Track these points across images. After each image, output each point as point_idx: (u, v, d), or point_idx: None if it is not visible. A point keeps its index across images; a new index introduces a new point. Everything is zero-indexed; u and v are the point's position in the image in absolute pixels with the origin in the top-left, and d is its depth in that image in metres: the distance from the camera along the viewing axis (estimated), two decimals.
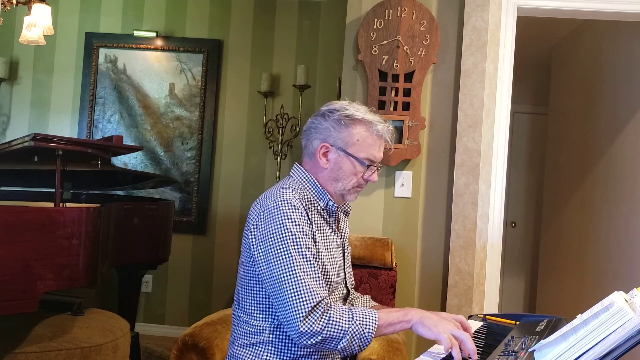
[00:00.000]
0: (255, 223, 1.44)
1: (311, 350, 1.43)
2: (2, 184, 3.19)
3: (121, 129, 3.91)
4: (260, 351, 1.45)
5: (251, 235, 1.45)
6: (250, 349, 1.47)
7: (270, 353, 1.44)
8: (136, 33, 3.89)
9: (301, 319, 1.29)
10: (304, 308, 1.30)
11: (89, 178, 3.02)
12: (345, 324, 1.30)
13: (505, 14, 2.60)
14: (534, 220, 5.10)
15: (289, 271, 1.34)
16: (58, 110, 4.00)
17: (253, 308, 1.46)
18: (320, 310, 1.30)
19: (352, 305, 1.70)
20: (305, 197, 1.48)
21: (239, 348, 1.49)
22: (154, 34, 3.89)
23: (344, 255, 1.58)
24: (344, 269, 1.57)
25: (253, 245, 1.44)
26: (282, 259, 1.36)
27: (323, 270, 1.45)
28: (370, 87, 2.57)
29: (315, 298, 1.31)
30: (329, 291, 1.48)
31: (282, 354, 1.44)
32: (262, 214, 1.43)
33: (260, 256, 1.41)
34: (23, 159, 2.40)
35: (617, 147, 3.32)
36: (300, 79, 3.68)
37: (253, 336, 1.46)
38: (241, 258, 1.51)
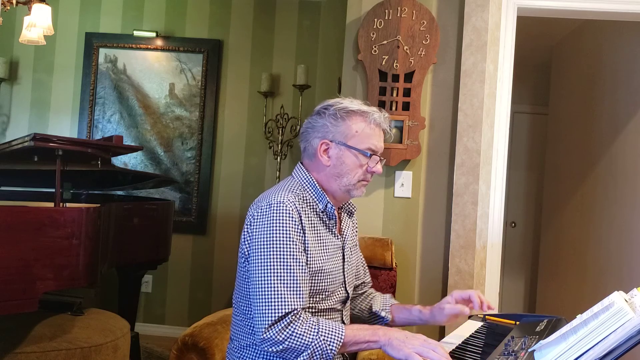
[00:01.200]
0: (249, 223, 1.44)
1: None
2: (2, 184, 3.20)
3: (121, 129, 3.91)
4: (259, 351, 1.45)
5: (244, 236, 1.45)
6: (249, 350, 1.46)
7: (268, 353, 1.44)
8: (136, 33, 3.89)
9: (266, 325, 1.30)
10: (271, 316, 1.30)
11: (89, 178, 3.02)
12: (308, 338, 1.30)
13: (505, 14, 2.60)
14: (534, 220, 5.10)
15: (264, 277, 1.34)
16: (58, 110, 4.00)
17: (250, 309, 1.45)
18: (287, 320, 1.30)
19: (371, 304, 1.70)
20: (304, 198, 1.46)
21: (237, 348, 1.49)
22: (154, 34, 3.89)
23: (343, 259, 1.56)
24: (344, 272, 1.55)
25: (245, 246, 1.44)
26: (262, 264, 1.35)
27: (316, 275, 1.43)
28: (370, 87, 2.57)
29: (285, 308, 1.31)
30: (324, 296, 1.47)
31: (281, 357, 1.43)
32: (255, 215, 1.42)
33: (248, 258, 1.42)
34: (23, 159, 2.40)
35: (618, 147, 3.32)
36: (300, 79, 3.68)
37: (251, 336, 1.46)
38: (238, 258, 1.51)
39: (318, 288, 1.44)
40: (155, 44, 3.90)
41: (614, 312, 1.02)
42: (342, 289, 1.55)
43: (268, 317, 1.30)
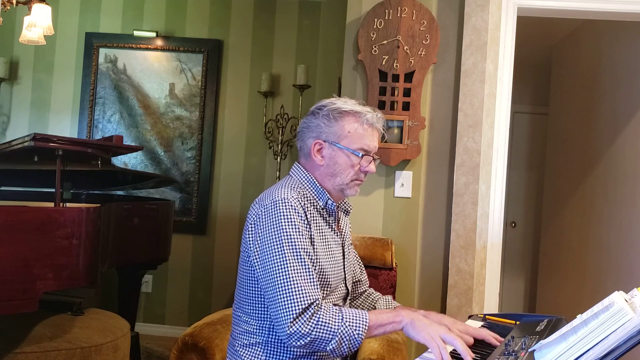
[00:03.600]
0: (253, 222, 1.45)
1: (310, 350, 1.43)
2: (2, 184, 3.19)
3: (121, 129, 3.91)
4: (260, 351, 1.45)
5: (249, 234, 1.45)
6: (250, 349, 1.47)
7: (270, 353, 1.44)
8: (136, 33, 3.89)
9: (291, 320, 1.29)
10: (295, 310, 1.29)
11: (89, 178, 3.02)
12: (335, 325, 1.30)
13: (505, 14, 2.60)
14: (534, 220, 5.10)
15: (282, 272, 1.34)
16: (58, 110, 4.00)
17: (252, 308, 1.46)
18: (310, 311, 1.30)
19: (374, 305, 1.72)
20: (305, 196, 1.48)
21: (238, 348, 1.49)
22: (154, 34, 3.89)
23: (343, 255, 1.58)
24: (344, 268, 1.57)
25: (251, 245, 1.44)
26: (276, 259, 1.35)
27: (321, 270, 1.44)
28: (370, 87, 2.57)
29: (307, 300, 1.31)
30: (328, 292, 1.48)
31: (282, 354, 1.44)
32: (260, 213, 1.43)
33: (257, 256, 1.42)
34: (23, 159, 2.40)
35: (617, 147, 3.32)
36: (300, 79, 3.68)
37: (252, 336, 1.46)
38: (240, 258, 1.51)
39: (322, 282, 1.45)
40: (155, 44, 3.90)
41: (614, 312, 1.02)
42: (343, 285, 1.57)
43: (292, 311, 1.30)
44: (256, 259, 1.42)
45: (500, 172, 2.60)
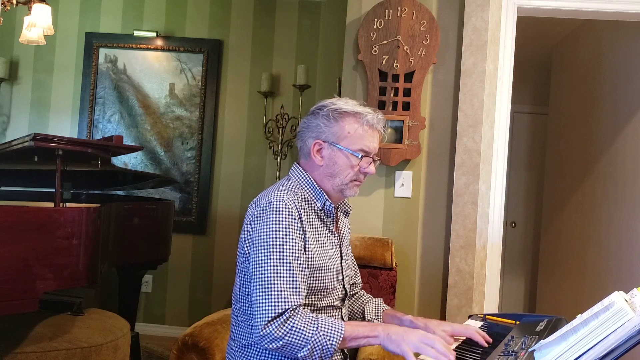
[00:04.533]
0: (249, 223, 1.45)
1: None
2: (2, 184, 3.20)
3: (121, 129, 3.91)
4: (259, 351, 1.45)
5: (244, 235, 1.46)
6: (249, 349, 1.47)
7: (269, 352, 1.44)
8: (136, 33, 3.89)
9: (265, 322, 1.30)
10: (270, 312, 1.30)
11: (89, 178, 3.02)
12: (308, 333, 1.30)
13: (505, 14, 2.60)
14: (534, 220, 5.10)
15: (264, 274, 1.34)
16: (58, 110, 4.00)
17: (250, 308, 1.46)
18: (285, 316, 1.30)
19: (363, 308, 1.72)
20: (302, 197, 1.47)
21: (237, 348, 1.49)
22: (154, 34, 3.89)
23: (341, 256, 1.57)
24: (342, 269, 1.57)
25: (246, 245, 1.44)
26: (261, 261, 1.36)
27: (316, 272, 1.44)
28: (370, 87, 2.57)
29: (284, 304, 1.31)
30: (325, 293, 1.48)
31: (280, 353, 1.43)
32: (255, 214, 1.43)
33: (248, 256, 1.43)
34: (23, 159, 2.40)
35: (618, 147, 3.33)
36: (300, 79, 3.68)
37: (251, 336, 1.46)
38: (238, 258, 1.51)
39: (318, 285, 1.45)
40: (155, 44, 3.90)
41: (614, 312, 1.02)
42: (341, 286, 1.56)
43: (267, 313, 1.30)
44: (248, 259, 1.43)
45: (500, 172, 2.60)
